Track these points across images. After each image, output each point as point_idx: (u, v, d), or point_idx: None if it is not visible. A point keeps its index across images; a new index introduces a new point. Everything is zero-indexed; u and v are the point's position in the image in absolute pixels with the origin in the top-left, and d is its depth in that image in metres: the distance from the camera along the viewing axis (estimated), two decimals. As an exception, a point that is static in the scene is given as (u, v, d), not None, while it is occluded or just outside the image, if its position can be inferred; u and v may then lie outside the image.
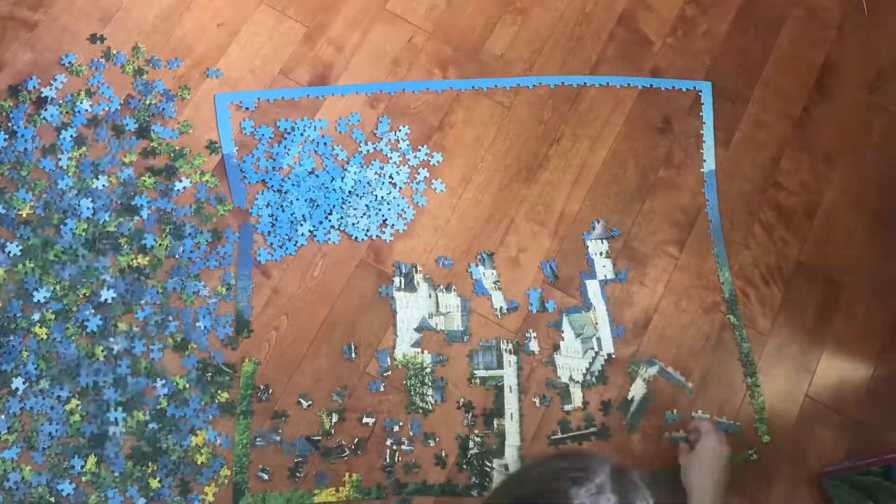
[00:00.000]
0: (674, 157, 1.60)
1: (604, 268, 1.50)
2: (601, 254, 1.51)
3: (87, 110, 1.46)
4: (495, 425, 1.39)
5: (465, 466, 1.37)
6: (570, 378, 1.43)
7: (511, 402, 1.41)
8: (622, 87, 1.62)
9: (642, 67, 1.64)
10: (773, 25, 1.71)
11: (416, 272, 1.46)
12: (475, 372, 1.41)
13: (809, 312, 1.53)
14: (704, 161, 1.59)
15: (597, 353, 1.45)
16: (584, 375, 1.44)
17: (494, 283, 1.47)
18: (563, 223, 1.53)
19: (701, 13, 1.70)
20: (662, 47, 1.67)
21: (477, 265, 1.48)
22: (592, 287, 1.49)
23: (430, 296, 1.45)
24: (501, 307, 1.46)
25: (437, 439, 1.38)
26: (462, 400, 1.40)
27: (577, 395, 1.42)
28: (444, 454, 1.37)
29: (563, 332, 1.45)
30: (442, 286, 1.46)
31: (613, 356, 1.45)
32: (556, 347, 1.45)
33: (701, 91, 1.64)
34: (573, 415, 1.41)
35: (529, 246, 1.51)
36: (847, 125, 1.66)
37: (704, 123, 1.62)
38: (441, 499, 1.35)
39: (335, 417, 1.36)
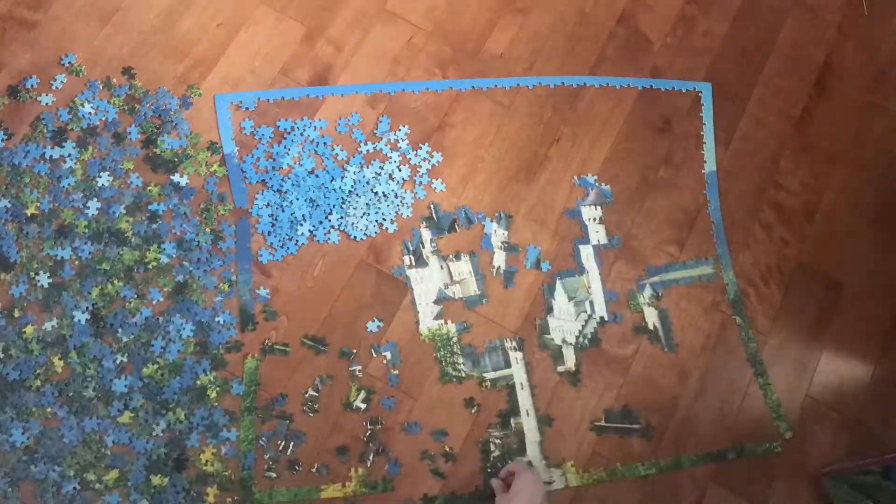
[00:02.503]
0: (674, 157, 1.60)
1: (597, 233, 1.52)
2: (594, 219, 1.53)
3: (89, 112, 1.46)
4: (513, 424, 1.40)
5: (489, 470, 1.37)
6: (563, 340, 1.45)
7: (524, 399, 1.41)
8: (622, 87, 1.62)
9: (642, 67, 1.64)
10: (773, 25, 1.71)
11: (423, 247, 1.47)
12: (484, 374, 1.42)
13: (809, 312, 1.53)
14: (705, 162, 1.59)
15: (589, 317, 1.47)
16: (577, 338, 1.45)
17: (502, 243, 1.48)
18: (564, 223, 1.53)
19: (701, 13, 1.70)
20: (662, 47, 1.67)
21: (492, 221, 1.49)
22: (586, 252, 1.51)
23: (441, 267, 1.46)
24: (500, 266, 1.47)
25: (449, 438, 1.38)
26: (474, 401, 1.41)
27: (569, 357, 1.44)
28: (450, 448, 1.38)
29: (555, 296, 1.47)
30: (451, 255, 1.47)
31: (606, 321, 1.47)
32: (549, 310, 1.46)
33: (701, 92, 1.64)
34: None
35: (530, 245, 1.51)
36: (847, 125, 1.66)
37: (704, 124, 1.62)
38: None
39: (363, 394, 1.38)
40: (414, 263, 1.46)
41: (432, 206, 1.50)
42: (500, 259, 1.48)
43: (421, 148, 1.53)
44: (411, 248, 1.47)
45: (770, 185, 1.60)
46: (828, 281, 1.55)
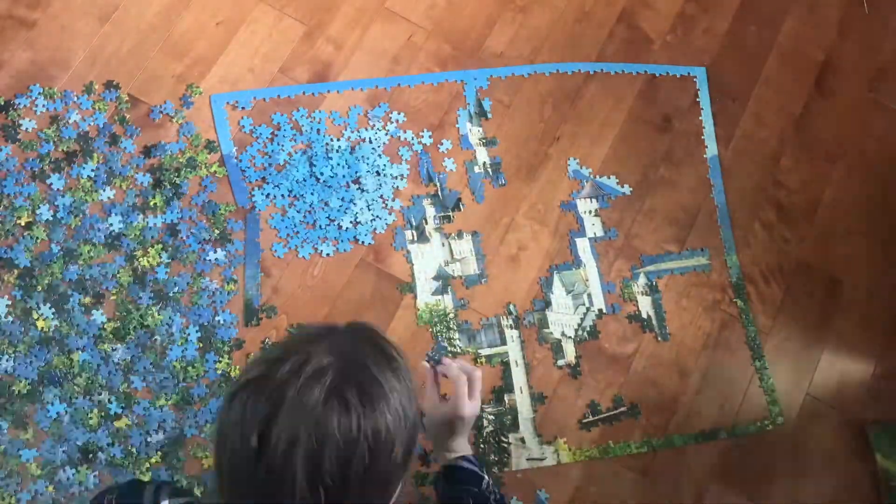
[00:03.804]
0: (674, 155, 1.59)
1: (593, 226, 1.52)
2: (590, 212, 1.53)
3: (78, 120, 1.45)
4: (506, 400, 1.41)
5: (482, 445, 1.38)
6: (563, 333, 1.46)
7: (518, 376, 1.43)
8: (622, 86, 1.62)
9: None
10: (773, 23, 1.71)
11: (426, 223, 1.47)
12: (479, 351, 1.43)
13: (810, 310, 1.53)
14: (706, 147, 1.59)
15: (588, 309, 1.47)
16: (576, 331, 1.46)
17: (480, 139, 1.52)
18: (564, 222, 1.53)
19: (701, 11, 1.70)
20: (662, 45, 1.66)
21: (468, 122, 1.53)
22: (582, 244, 1.51)
23: (443, 244, 1.47)
24: (486, 162, 1.51)
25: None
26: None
27: (569, 350, 1.45)
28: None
29: (553, 289, 1.48)
30: (454, 234, 1.48)
31: (605, 313, 1.48)
32: (548, 304, 1.46)
33: (696, 77, 1.63)
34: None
35: (529, 244, 1.50)
36: (847, 123, 1.65)
37: (703, 109, 1.62)
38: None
39: None
40: (416, 239, 1.47)
41: (439, 181, 1.50)
42: (483, 155, 1.51)
43: (421, 145, 1.53)
44: (414, 223, 1.48)
45: (770, 183, 1.60)
46: (828, 279, 1.55)
